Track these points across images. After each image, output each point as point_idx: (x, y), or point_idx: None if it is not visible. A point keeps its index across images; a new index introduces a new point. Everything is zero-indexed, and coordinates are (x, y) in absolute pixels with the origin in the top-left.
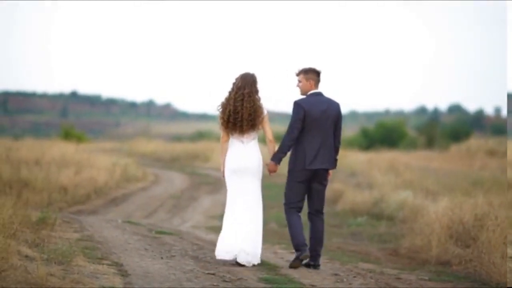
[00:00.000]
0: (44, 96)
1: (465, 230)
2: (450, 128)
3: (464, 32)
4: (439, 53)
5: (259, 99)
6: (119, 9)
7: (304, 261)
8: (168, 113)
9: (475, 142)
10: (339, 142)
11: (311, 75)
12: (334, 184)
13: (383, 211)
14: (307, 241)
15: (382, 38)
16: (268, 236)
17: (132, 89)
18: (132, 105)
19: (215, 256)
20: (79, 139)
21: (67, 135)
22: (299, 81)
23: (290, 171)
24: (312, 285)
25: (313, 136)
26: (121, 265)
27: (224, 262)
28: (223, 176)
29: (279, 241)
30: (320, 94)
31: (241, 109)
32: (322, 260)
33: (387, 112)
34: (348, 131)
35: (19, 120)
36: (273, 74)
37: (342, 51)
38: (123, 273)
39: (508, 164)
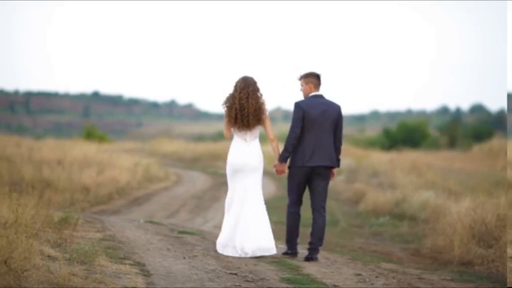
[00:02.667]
0: (66, 96)
1: (488, 230)
2: (472, 128)
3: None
4: (462, 53)
5: (261, 97)
6: (142, 9)
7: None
8: (190, 113)
9: (497, 142)
10: (340, 142)
11: (310, 78)
12: (356, 184)
13: (405, 211)
14: (307, 237)
15: (405, 38)
16: None
17: (154, 89)
18: (154, 105)
19: (221, 252)
20: (101, 139)
21: (89, 135)
22: (301, 85)
23: (289, 168)
24: (335, 285)
25: (312, 135)
26: (144, 265)
27: (246, 262)
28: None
29: (300, 241)
30: (320, 96)
31: (247, 105)
32: (344, 260)
33: (409, 112)
34: (370, 131)
35: (41, 120)
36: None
37: (364, 51)
38: (146, 273)
39: (508, 164)
